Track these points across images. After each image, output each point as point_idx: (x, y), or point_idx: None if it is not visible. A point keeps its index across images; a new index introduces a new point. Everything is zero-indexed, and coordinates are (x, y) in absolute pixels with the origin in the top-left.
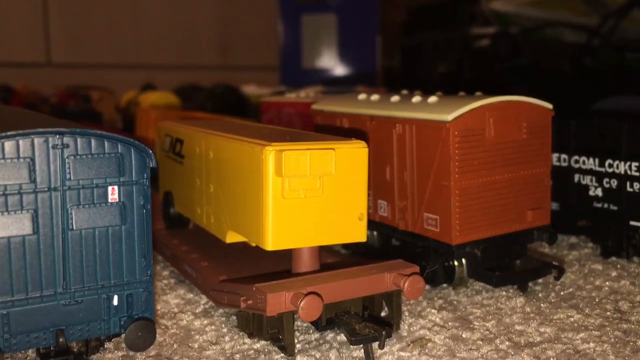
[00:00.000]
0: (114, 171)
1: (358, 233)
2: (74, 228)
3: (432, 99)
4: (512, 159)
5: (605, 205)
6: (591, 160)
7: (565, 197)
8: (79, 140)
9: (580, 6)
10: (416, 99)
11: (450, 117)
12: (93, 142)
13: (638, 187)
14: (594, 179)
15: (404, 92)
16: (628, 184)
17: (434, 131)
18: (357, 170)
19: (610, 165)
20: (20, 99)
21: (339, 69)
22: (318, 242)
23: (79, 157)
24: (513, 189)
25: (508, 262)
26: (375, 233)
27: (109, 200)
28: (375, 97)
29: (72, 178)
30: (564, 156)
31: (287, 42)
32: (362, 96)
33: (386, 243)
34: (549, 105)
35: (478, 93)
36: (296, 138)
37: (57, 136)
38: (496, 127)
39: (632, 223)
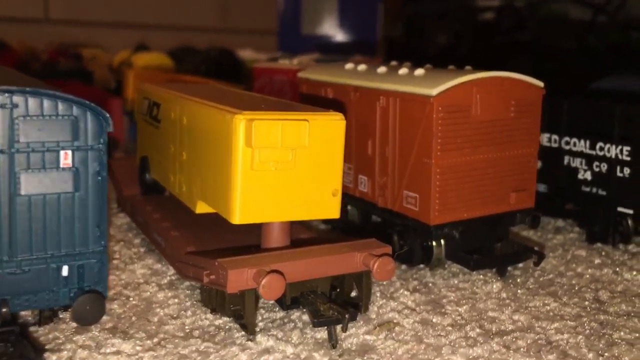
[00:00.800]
0: (67, 135)
1: (331, 209)
2: (22, 193)
3: (419, 72)
4: (498, 138)
5: (594, 190)
6: (582, 142)
7: (553, 179)
8: (29, 100)
9: None
10: (403, 71)
11: (434, 91)
12: (45, 102)
13: (628, 172)
14: (583, 161)
15: (394, 63)
16: (618, 168)
17: (417, 105)
18: (333, 143)
19: (601, 149)
20: (12, 55)
21: (339, 37)
22: (288, 217)
23: (29, 118)
24: (497, 170)
25: (488, 245)
26: (355, 209)
27: (61, 166)
28: (362, 67)
29: (21, 140)
30: (554, 137)
31: (286, 7)
32: (349, 66)
33: (366, 219)
34: (540, 84)
35: (468, 67)
36: (272, 107)
37: (6, 94)
38: (483, 104)
39: (620, 209)
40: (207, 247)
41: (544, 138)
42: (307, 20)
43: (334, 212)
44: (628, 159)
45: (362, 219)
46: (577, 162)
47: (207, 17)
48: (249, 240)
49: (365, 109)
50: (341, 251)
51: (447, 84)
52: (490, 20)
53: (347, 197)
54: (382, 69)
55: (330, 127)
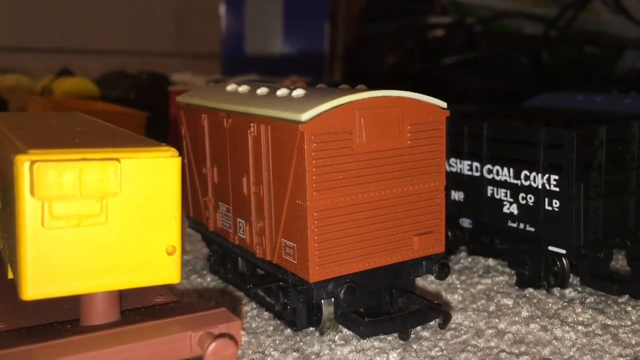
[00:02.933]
0: None
1: (168, 272)
2: None
3: (298, 92)
4: (392, 172)
5: (521, 226)
6: (505, 170)
7: (478, 213)
8: None
9: None
10: (282, 92)
11: (304, 116)
12: None
13: (557, 205)
14: (508, 193)
15: (292, 81)
16: (546, 200)
17: (288, 134)
18: (163, 188)
19: (527, 178)
20: None
21: (285, 57)
22: (103, 286)
23: None
24: (394, 210)
25: (390, 301)
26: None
27: None
28: (243, 88)
29: None
30: (476, 164)
31: (229, 28)
32: (230, 87)
33: (251, 271)
34: (442, 104)
35: (359, 86)
36: (83, 142)
37: None
38: (369, 130)
39: (551, 248)
40: (20, 324)
41: (465, 166)
42: (251, 42)
43: (172, 276)
44: (556, 189)
45: (248, 270)
46: (501, 194)
47: (146, 41)
48: (74, 313)
49: (238, 139)
50: (171, 330)
51: (321, 106)
52: (441, 38)
53: (227, 244)
54: (262, 90)
55: (156, 167)
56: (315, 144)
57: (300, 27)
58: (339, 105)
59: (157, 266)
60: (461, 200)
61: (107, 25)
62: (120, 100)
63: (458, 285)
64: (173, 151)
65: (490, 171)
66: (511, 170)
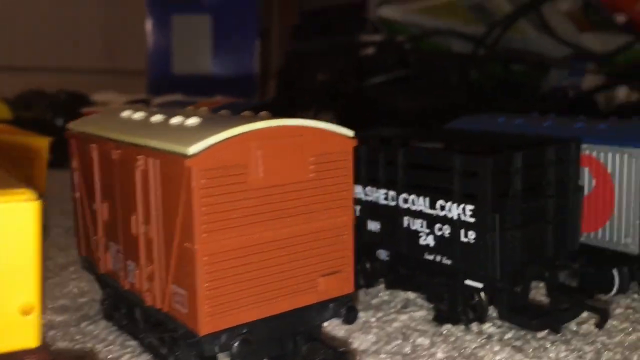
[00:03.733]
0: None
1: (23, 335)
2: None
3: (193, 120)
4: (294, 208)
5: (437, 258)
6: (421, 200)
7: (395, 245)
8: None
9: (468, 14)
10: (176, 119)
11: (191, 149)
12: None
13: (473, 237)
14: (424, 223)
15: (208, 105)
16: (462, 232)
17: (175, 169)
18: (16, 237)
19: (442, 208)
20: None
21: (215, 76)
22: None
23: None
24: (296, 250)
25: (293, 349)
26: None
27: None
28: (139, 114)
29: None
30: (392, 193)
31: (156, 45)
32: (126, 113)
33: (146, 318)
34: (349, 133)
35: (262, 113)
36: None
37: None
38: (267, 163)
39: (468, 282)
40: None
41: (381, 195)
42: (179, 59)
43: (29, 339)
44: (472, 220)
45: (141, 317)
46: (417, 224)
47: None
48: None
49: (127, 172)
50: None
51: (212, 138)
52: (372, 56)
53: (119, 289)
54: (158, 117)
55: (7, 213)
56: (204, 180)
57: (230, 44)
58: (232, 137)
59: (9, 329)
60: (378, 231)
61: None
62: (34, 122)
63: (374, 324)
64: (30, 194)
65: (405, 200)
66: (427, 199)
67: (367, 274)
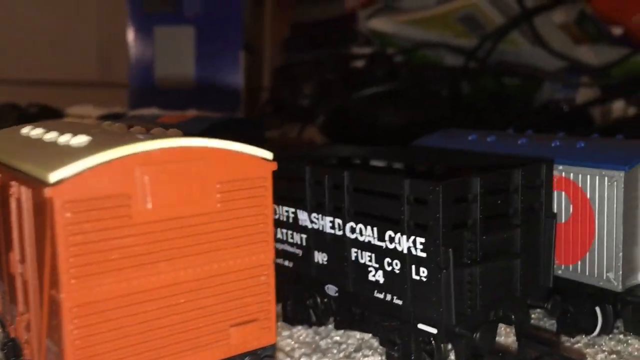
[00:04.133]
0: None
1: None
2: None
3: (81, 139)
4: (194, 246)
5: (388, 297)
6: (369, 229)
7: (342, 280)
8: None
9: (459, 27)
10: (64, 138)
11: (53, 176)
12: None
13: (425, 274)
14: (373, 257)
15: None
16: (413, 268)
17: (41, 200)
18: None
19: (391, 239)
20: None
21: (198, 89)
22: None
23: None
24: (198, 296)
25: None
26: None
27: None
28: (37, 131)
29: None
30: (338, 221)
31: (138, 58)
32: (25, 129)
33: None
34: (267, 154)
35: (154, 130)
36: None
37: None
38: (158, 192)
39: (421, 326)
40: None
41: (327, 223)
42: (162, 72)
43: None
44: (423, 255)
45: None
46: (366, 258)
47: (46, 69)
48: None
49: (5, 200)
50: None
51: (82, 162)
52: (362, 69)
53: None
54: (52, 135)
55: None
56: (70, 214)
57: (213, 57)
58: (109, 161)
59: None
60: (325, 263)
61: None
62: None
63: None
64: None
65: (353, 230)
66: (374, 229)
67: (317, 310)
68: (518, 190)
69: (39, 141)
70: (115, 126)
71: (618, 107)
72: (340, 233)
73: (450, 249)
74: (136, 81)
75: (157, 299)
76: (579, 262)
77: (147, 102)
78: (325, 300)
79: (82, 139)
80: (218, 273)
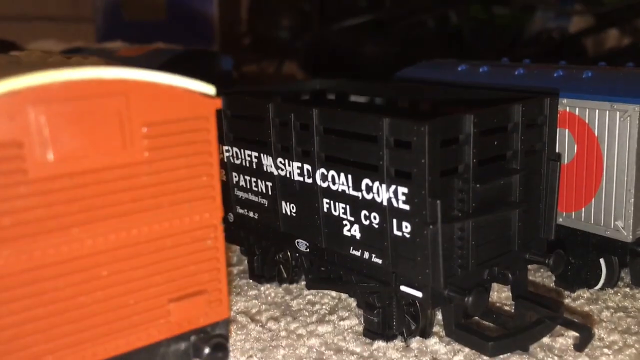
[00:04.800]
0: None
1: None
2: None
3: None
4: (117, 206)
5: (366, 255)
6: (342, 177)
7: (314, 234)
8: None
9: None
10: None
11: None
12: None
13: (408, 230)
14: (348, 209)
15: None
16: (394, 222)
17: None
18: None
19: (369, 189)
20: None
21: (169, 22)
22: None
23: None
24: (125, 267)
25: None
26: None
27: None
28: None
29: None
30: (307, 167)
31: None
32: None
33: None
34: (208, 89)
35: (74, 58)
36: None
37: None
38: (59, 138)
39: (404, 289)
40: None
41: (295, 169)
42: (129, 4)
43: None
44: (406, 207)
45: None
46: (339, 210)
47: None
48: None
49: None
50: None
51: None
52: None
53: None
54: None
55: None
56: None
57: None
58: None
59: None
60: (294, 215)
61: None
62: None
63: (283, 341)
64: None
65: (324, 177)
66: (349, 177)
67: (287, 266)
68: (518, 129)
69: None
70: (34, 57)
71: (612, 36)
72: (309, 181)
73: (437, 201)
74: (102, 13)
75: (70, 274)
76: (583, 209)
77: (114, 36)
78: (297, 255)
79: None
80: (149, 238)
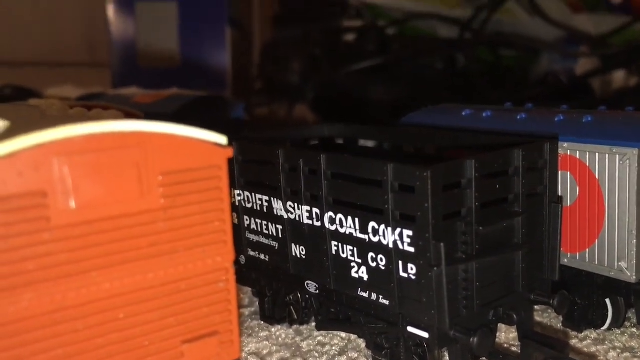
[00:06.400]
0: None
1: None
2: None
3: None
4: (135, 251)
5: (373, 296)
6: (350, 220)
7: (323, 276)
8: None
9: None
10: None
11: None
12: None
13: (414, 271)
14: (356, 251)
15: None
16: (400, 264)
17: None
18: None
19: (375, 232)
20: None
21: (182, 68)
22: None
23: None
24: (141, 310)
25: None
26: None
27: None
28: None
29: None
30: (316, 211)
31: (119, 35)
32: None
33: None
34: (220, 139)
35: (94, 111)
36: None
37: None
38: (82, 188)
39: (411, 330)
40: None
41: (304, 212)
42: (145, 50)
43: None
44: (411, 250)
45: None
46: (347, 252)
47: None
48: None
49: None
50: None
51: None
52: (351, 43)
53: None
54: None
55: None
56: None
57: (198, 34)
58: (18, 151)
59: None
60: (304, 257)
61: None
62: None
63: None
64: None
65: (332, 221)
66: (356, 220)
67: (298, 307)
68: (519, 173)
69: None
70: (56, 108)
71: (619, 77)
72: (318, 224)
73: (441, 244)
74: (118, 60)
75: (89, 316)
76: (587, 250)
77: (130, 82)
78: (307, 296)
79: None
80: (165, 282)
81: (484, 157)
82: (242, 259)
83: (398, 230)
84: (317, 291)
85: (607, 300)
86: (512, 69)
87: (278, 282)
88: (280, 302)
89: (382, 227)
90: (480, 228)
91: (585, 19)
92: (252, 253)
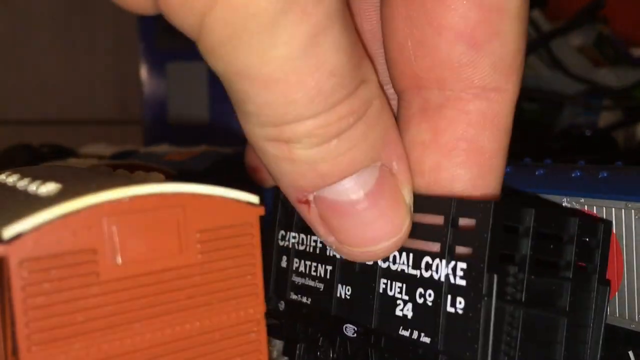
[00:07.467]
0: None
1: None
2: None
3: (50, 186)
4: (173, 303)
5: (414, 334)
6: (404, 256)
7: (365, 316)
8: None
9: None
10: (33, 185)
11: (7, 231)
12: None
13: (462, 305)
14: (404, 288)
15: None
16: (449, 299)
17: None
18: None
19: (428, 267)
20: None
21: (211, 125)
22: None
23: None
24: (180, 358)
25: None
26: None
27: None
28: (12, 178)
29: None
30: None
31: (150, 94)
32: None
33: None
34: (253, 199)
35: (153, 174)
36: None
37: None
38: (128, 245)
39: None
40: None
41: None
42: (175, 108)
43: None
44: (462, 282)
45: None
46: (395, 289)
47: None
48: None
49: None
50: None
51: (41, 215)
52: None
53: None
54: (23, 182)
55: None
56: (28, 274)
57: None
58: (72, 212)
59: None
60: (347, 297)
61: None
62: None
63: None
64: None
65: (386, 258)
66: (410, 255)
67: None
68: (573, 241)
69: (8, 190)
70: (103, 169)
71: None
72: (370, 262)
73: (495, 274)
74: (150, 118)
75: None
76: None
77: (161, 139)
78: (343, 340)
79: (51, 187)
80: (200, 332)
81: (544, 211)
82: (282, 305)
83: (452, 263)
84: (355, 334)
85: (630, 353)
86: (534, 122)
87: (315, 326)
88: (313, 347)
89: (436, 261)
90: (532, 277)
91: (606, 72)
92: (294, 297)
